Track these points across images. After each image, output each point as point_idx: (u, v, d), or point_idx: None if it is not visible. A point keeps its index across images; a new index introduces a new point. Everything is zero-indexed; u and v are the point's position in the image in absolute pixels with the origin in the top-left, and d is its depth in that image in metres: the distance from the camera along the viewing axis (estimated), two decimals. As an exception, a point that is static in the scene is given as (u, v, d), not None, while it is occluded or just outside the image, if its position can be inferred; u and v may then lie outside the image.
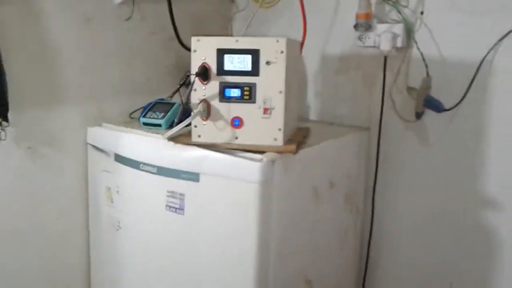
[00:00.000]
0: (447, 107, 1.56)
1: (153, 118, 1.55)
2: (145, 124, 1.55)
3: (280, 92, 1.27)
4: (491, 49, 1.48)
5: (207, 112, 1.30)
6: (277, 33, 1.88)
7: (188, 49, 1.43)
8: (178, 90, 1.75)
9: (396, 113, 1.69)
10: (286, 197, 1.33)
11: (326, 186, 1.52)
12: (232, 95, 1.29)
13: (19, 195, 1.51)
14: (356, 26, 1.65)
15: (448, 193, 1.62)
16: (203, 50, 1.29)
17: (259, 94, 1.28)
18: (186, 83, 1.70)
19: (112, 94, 1.66)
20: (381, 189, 1.74)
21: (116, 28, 1.62)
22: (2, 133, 1.39)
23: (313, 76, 1.86)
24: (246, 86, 1.28)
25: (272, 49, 1.26)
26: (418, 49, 1.60)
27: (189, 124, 1.31)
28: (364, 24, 1.64)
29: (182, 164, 1.35)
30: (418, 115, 1.64)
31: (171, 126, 1.53)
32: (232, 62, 1.28)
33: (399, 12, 1.62)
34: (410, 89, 1.66)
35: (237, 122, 1.30)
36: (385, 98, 1.68)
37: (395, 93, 1.69)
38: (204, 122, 1.32)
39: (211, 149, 1.31)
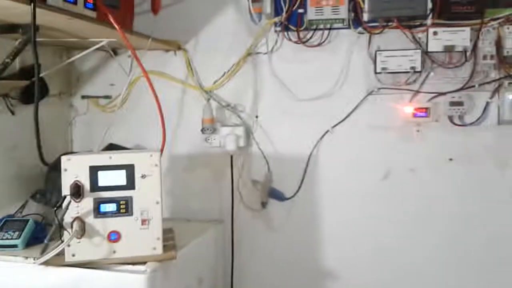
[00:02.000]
0: (287, 196, 1.83)
1: (7, 238, 1.43)
2: (-4, 246, 1.42)
3: (157, 202, 1.34)
4: (315, 146, 1.82)
5: (82, 229, 1.28)
6: (122, 137, 1.94)
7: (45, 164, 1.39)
8: (25, 204, 1.66)
9: (244, 204, 1.89)
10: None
11: (196, 284, 1.59)
12: (107, 210, 1.31)
13: None
14: (203, 130, 1.83)
15: (295, 270, 1.86)
16: (74, 168, 1.29)
17: (136, 207, 1.32)
18: (37, 198, 1.63)
19: None
20: (238, 274, 1.88)
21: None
22: None
23: (163, 175, 1.95)
24: (122, 200, 1.32)
25: (147, 163, 1.33)
26: (259, 148, 1.85)
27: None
28: (210, 128, 1.83)
29: (56, 288, 1.28)
30: (263, 204, 1.87)
31: (27, 245, 1.44)
32: (106, 178, 1.31)
33: (239, 116, 1.87)
34: (254, 182, 1.88)
35: (114, 236, 1.31)
36: (234, 192, 1.88)
37: (241, 187, 1.89)
38: (78, 240, 1.29)
39: (88, 267, 1.28)
